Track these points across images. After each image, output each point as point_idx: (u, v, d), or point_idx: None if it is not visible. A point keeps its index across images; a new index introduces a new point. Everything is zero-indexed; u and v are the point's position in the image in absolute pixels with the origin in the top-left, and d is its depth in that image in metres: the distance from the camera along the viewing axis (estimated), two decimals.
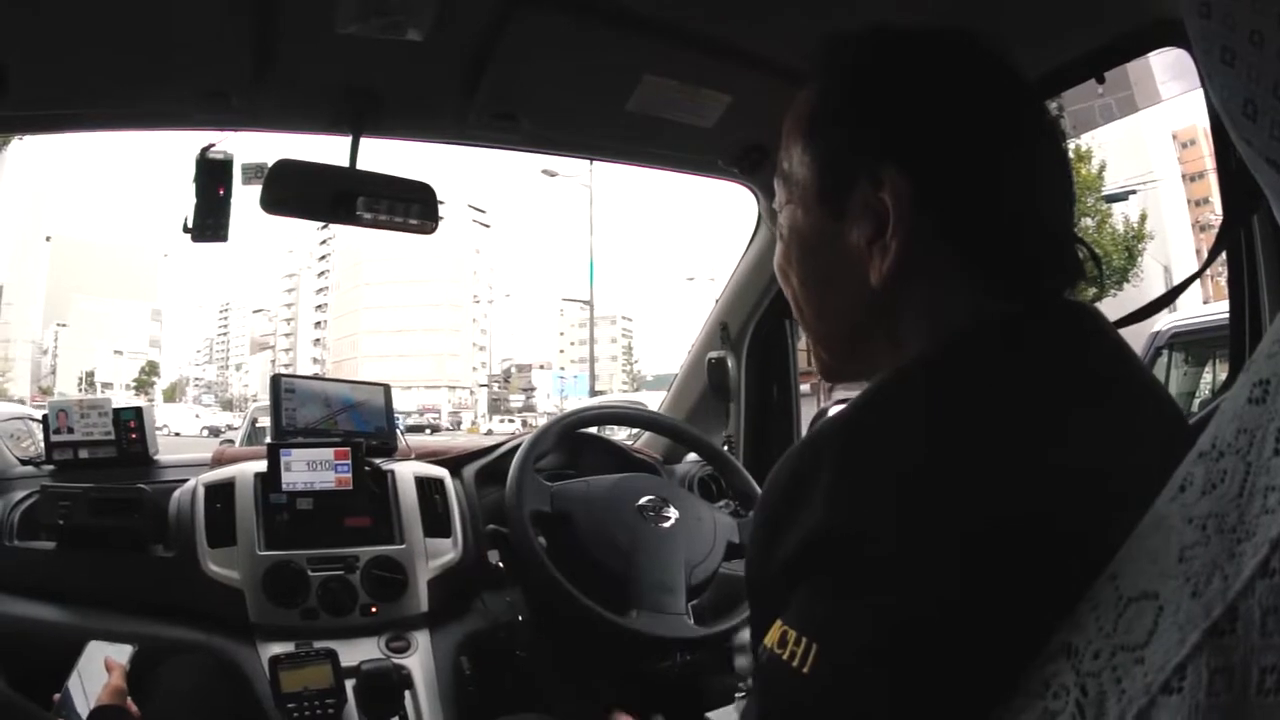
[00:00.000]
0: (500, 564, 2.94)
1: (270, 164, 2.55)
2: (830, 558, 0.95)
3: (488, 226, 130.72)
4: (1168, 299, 1.65)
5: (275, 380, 3.25)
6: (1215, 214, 1.90)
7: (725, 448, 3.32)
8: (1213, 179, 2.14)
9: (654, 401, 4.04)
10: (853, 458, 1.01)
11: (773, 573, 1.03)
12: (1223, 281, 2.18)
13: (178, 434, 54.17)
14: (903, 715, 0.88)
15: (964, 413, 0.97)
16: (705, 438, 2.99)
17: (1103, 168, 28.20)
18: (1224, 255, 2.03)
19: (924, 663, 0.87)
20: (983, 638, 0.86)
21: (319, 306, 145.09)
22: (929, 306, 1.09)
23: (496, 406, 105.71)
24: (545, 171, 41.52)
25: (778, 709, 0.99)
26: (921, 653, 0.87)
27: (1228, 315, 2.12)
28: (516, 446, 2.94)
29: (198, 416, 73.86)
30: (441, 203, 2.74)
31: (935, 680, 0.87)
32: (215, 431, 51.57)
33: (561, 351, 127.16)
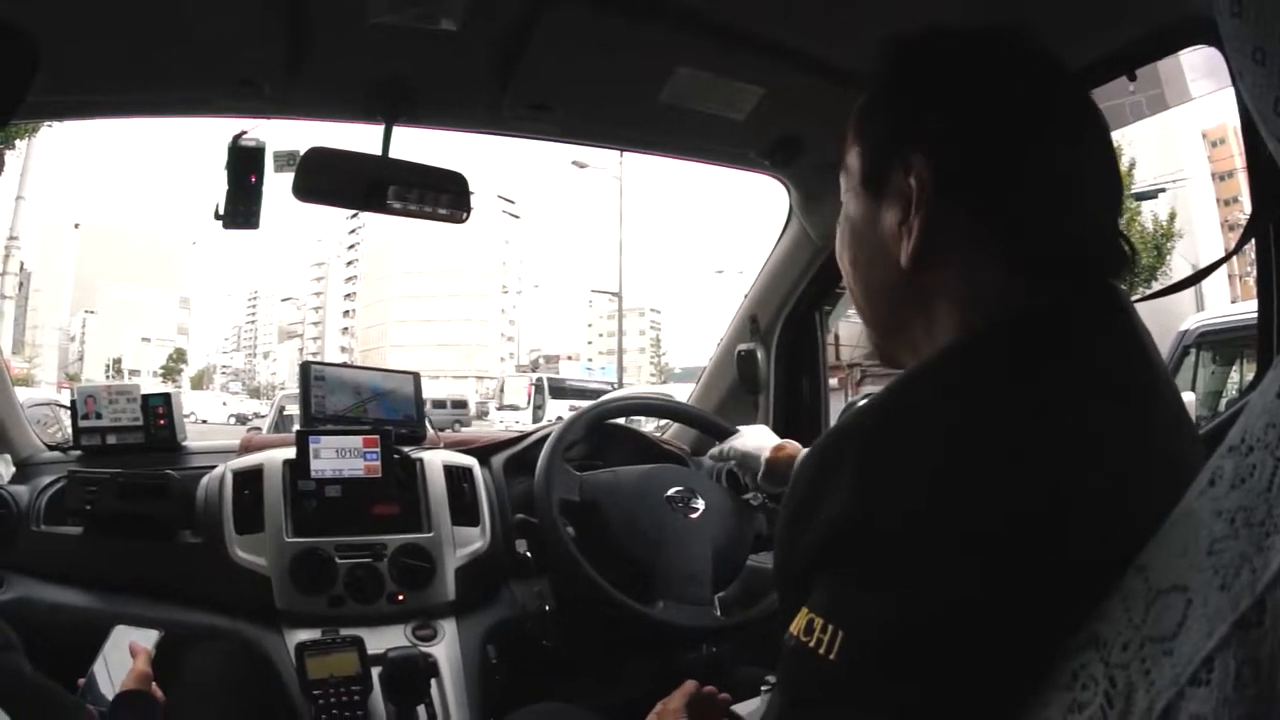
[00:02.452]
0: (528, 553, 2.96)
1: (302, 152, 2.56)
2: (855, 546, 0.96)
3: (517, 217, 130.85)
4: (1194, 280, 1.66)
5: (305, 367, 3.25)
6: (1245, 213, 1.89)
7: None
8: (1242, 178, 2.14)
9: (682, 394, 4.04)
10: (877, 448, 1.03)
11: (800, 560, 1.04)
12: (1252, 282, 2.18)
13: (205, 421, 54.38)
14: (928, 704, 0.89)
15: (988, 407, 0.98)
16: (734, 430, 2.98)
17: (1132, 165, 27.99)
18: (1254, 256, 2.03)
19: (949, 652, 0.88)
20: (1008, 629, 0.87)
21: (348, 295, 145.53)
22: (960, 292, 1.10)
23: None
24: (575, 163, 41.61)
25: (804, 696, 0.99)
26: (947, 642, 0.88)
27: (1256, 315, 2.11)
28: (545, 436, 2.95)
29: (225, 404, 74.12)
30: (472, 193, 2.74)
31: (961, 669, 0.87)
32: (242, 419, 51.83)
33: (589, 343, 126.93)
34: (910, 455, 0.98)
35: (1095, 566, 0.86)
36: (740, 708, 2.01)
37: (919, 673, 0.89)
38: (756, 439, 2.73)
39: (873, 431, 1.06)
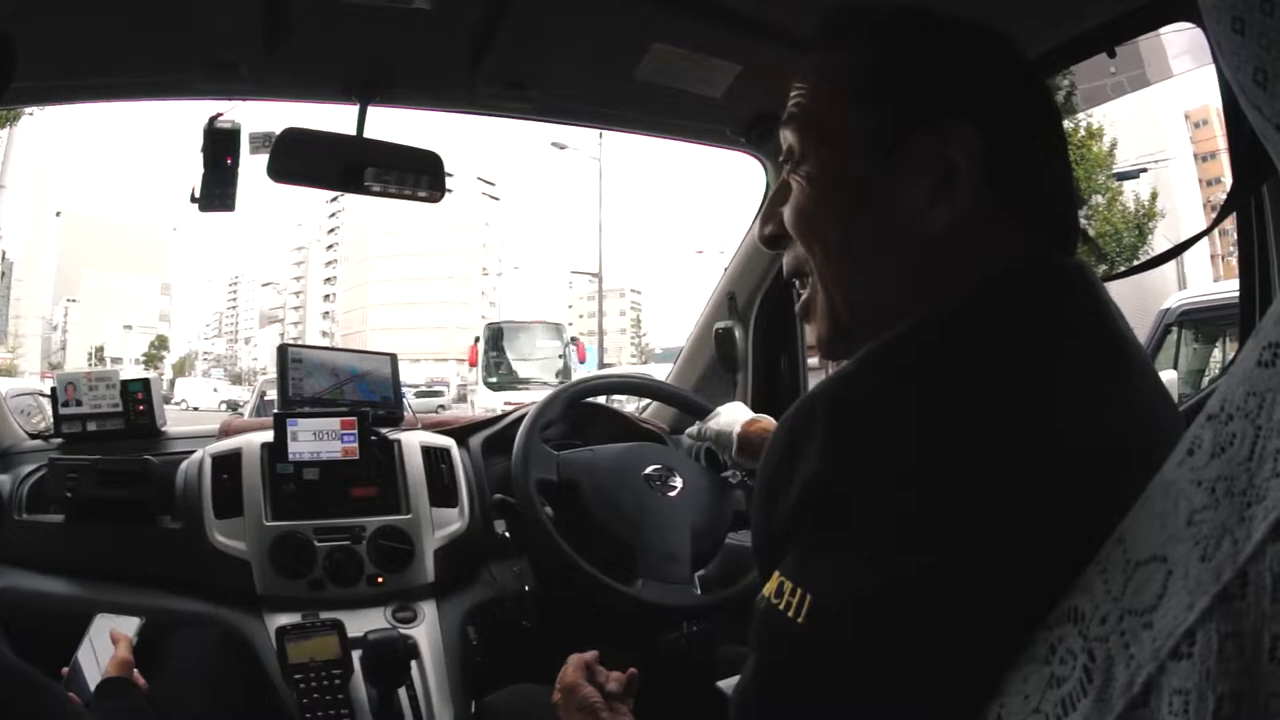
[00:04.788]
0: (506, 534, 2.95)
1: (277, 133, 2.55)
2: (825, 510, 0.97)
3: (497, 199, 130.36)
4: (1173, 253, 1.66)
5: (282, 350, 3.23)
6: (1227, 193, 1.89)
7: None
8: (1224, 159, 2.14)
9: (662, 374, 4.02)
10: (848, 413, 1.02)
11: (775, 527, 1.04)
12: (1233, 261, 2.18)
13: (196, 408, 54.27)
14: (897, 671, 0.89)
15: (961, 375, 0.98)
16: (712, 407, 2.98)
17: (1114, 145, 28.12)
18: (1235, 235, 2.03)
19: (918, 620, 0.88)
20: (980, 599, 0.87)
21: (328, 280, 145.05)
22: (971, 265, 1.08)
23: None
24: (554, 144, 41.44)
25: (774, 658, 1.01)
26: (915, 609, 0.88)
27: (1238, 293, 2.12)
28: (523, 416, 2.94)
29: (215, 390, 73.89)
30: (450, 175, 2.74)
31: (931, 638, 0.87)
32: (234, 405, 51.95)
33: (570, 324, 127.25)
34: (881, 421, 0.98)
35: (1072, 538, 0.85)
36: (725, 684, 2.02)
37: (887, 639, 0.89)
38: (730, 415, 2.74)
39: (844, 397, 1.05)
